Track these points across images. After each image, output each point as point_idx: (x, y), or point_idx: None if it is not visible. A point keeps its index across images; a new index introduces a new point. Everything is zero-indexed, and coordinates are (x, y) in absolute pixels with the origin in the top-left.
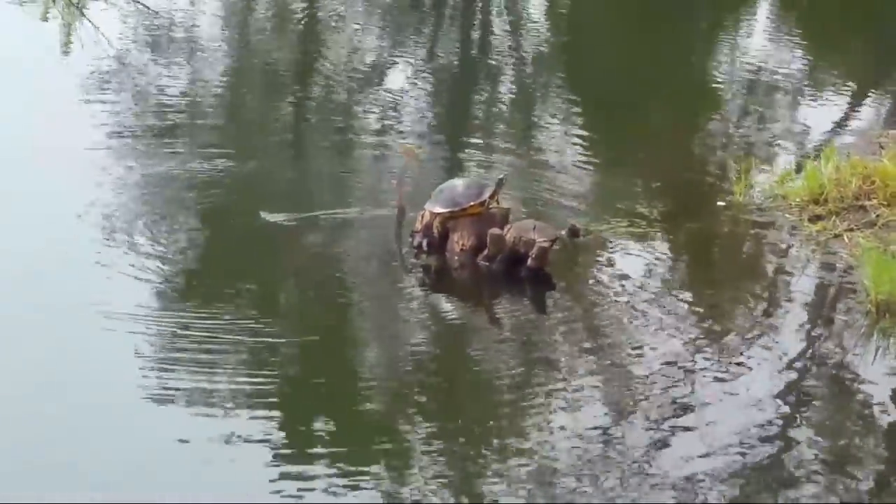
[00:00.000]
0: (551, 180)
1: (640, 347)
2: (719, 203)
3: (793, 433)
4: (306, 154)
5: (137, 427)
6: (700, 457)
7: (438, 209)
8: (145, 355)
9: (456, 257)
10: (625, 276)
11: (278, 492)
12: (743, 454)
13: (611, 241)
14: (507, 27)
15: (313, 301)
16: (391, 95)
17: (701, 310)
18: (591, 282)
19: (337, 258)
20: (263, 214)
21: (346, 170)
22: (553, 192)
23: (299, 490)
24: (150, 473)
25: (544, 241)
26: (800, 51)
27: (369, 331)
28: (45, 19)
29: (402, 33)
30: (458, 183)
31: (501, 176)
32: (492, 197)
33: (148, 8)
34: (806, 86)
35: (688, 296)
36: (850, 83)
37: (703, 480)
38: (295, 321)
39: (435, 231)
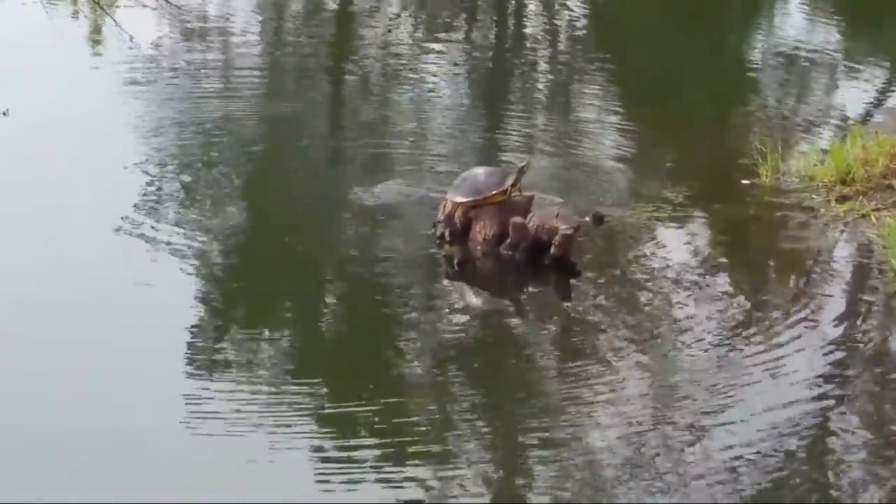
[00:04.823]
0: (577, 167)
1: (670, 332)
2: (744, 182)
3: (835, 412)
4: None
5: (175, 425)
6: (743, 438)
7: (460, 199)
8: (186, 342)
9: (479, 247)
10: (651, 262)
11: (320, 488)
12: (786, 435)
13: (636, 227)
14: (542, 12)
15: (343, 290)
16: (427, 81)
17: (729, 293)
18: (616, 268)
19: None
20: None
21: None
22: (579, 178)
23: (340, 486)
24: (191, 474)
25: (567, 228)
26: (836, 29)
27: (397, 323)
28: (74, 19)
29: (436, 20)
30: (480, 171)
31: (523, 163)
32: (514, 185)
33: (172, 4)
34: (840, 65)
35: (715, 279)
36: (886, 62)
37: (747, 462)
38: (322, 312)
39: (457, 221)
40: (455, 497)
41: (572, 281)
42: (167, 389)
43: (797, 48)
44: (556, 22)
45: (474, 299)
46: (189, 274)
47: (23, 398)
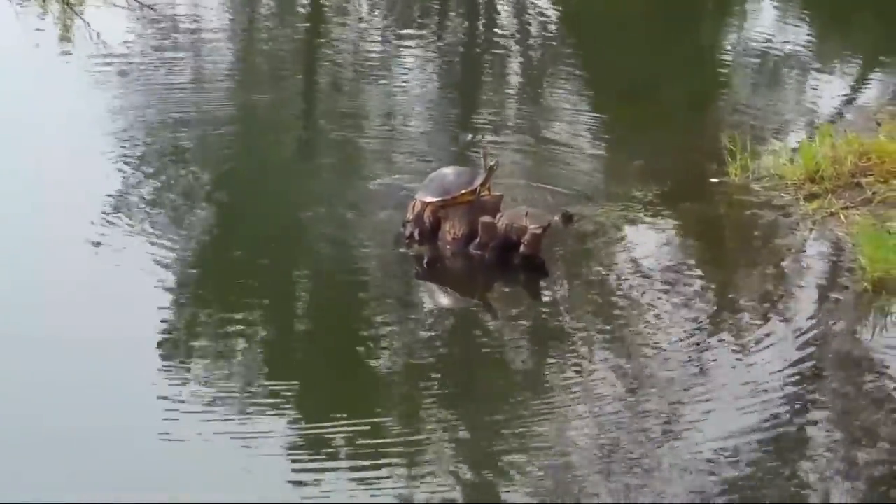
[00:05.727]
0: (547, 166)
1: (641, 330)
2: (712, 180)
3: (806, 410)
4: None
5: (149, 425)
6: (715, 436)
7: (429, 198)
8: (159, 345)
9: (448, 246)
10: (620, 261)
11: (292, 489)
12: (758, 433)
13: (605, 226)
14: (513, 9)
15: (313, 290)
16: (398, 77)
17: (699, 292)
18: (586, 267)
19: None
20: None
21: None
22: (548, 177)
23: (311, 487)
24: (163, 472)
25: (536, 227)
26: (805, 28)
27: (366, 322)
28: (43, 19)
29: (407, 17)
30: (449, 171)
31: (492, 163)
32: (483, 184)
33: (142, 4)
34: (809, 64)
35: (685, 278)
36: (855, 60)
37: (720, 461)
38: (291, 310)
39: (426, 220)
40: (431, 498)
41: (541, 280)
42: (155, 390)
43: (767, 47)
44: (526, 20)
45: (444, 299)
46: (161, 275)
47: (19, 398)
